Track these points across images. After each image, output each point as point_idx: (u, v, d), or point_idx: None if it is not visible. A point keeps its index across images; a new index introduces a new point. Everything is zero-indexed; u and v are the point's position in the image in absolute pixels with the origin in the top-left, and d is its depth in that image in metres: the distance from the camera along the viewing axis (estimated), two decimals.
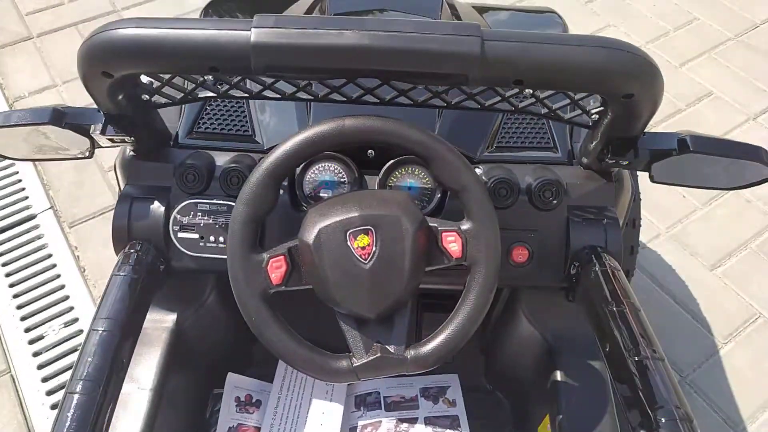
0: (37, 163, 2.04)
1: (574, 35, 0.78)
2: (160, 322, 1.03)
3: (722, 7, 2.62)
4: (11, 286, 1.76)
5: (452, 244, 0.80)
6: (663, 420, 0.69)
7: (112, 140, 0.91)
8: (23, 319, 1.70)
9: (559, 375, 1.00)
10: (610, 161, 0.91)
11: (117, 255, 0.97)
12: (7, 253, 1.83)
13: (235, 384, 1.19)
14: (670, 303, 1.76)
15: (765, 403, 1.59)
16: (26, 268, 1.80)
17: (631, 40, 0.78)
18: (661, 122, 2.20)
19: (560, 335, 1.04)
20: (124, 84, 0.81)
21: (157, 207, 0.97)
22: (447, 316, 0.83)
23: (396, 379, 1.26)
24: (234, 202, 0.90)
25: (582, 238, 0.96)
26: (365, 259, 0.77)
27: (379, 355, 0.79)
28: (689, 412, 0.71)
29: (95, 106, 0.88)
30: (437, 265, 0.82)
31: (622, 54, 0.73)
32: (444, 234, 0.80)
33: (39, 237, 1.87)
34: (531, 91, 0.83)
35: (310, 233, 0.79)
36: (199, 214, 0.96)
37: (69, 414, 0.77)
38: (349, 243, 0.78)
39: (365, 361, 0.79)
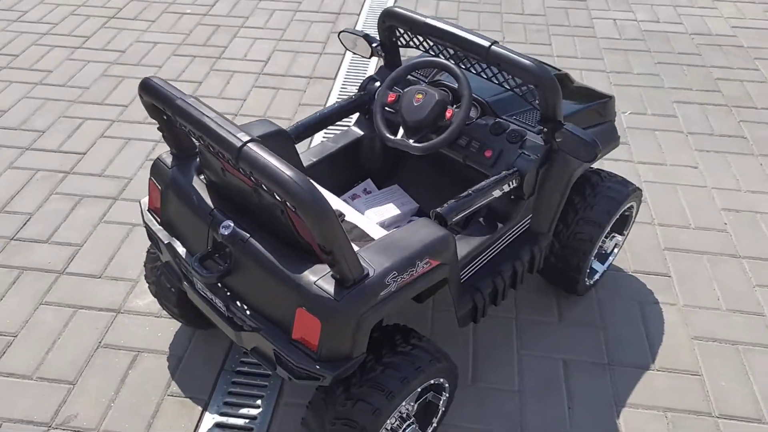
0: None
1: (530, 58, 1.93)
2: (351, 133, 2.43)
3: None
4: None
5: (449, 114, 2.02)
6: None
7: (377, 53, 2.37)
8: None
9: None
10: (541, 127, 1.99)
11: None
12: None
13: (366, 183, 2.54)
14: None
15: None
16: None
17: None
18: None
19: None
20: (391, 31, 2.24)
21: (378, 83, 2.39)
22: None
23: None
24: None
25: (517, 162, 2.05)
26: (417, 102, 2.04)
27: (405, 140, 2.04)
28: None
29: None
30: (440, 122, 2.03)
31: (541, 68, 1.86)
32: (448, 109, 2.03)
33: None
34: (519, 88, 1.98)
35: (405, 88, 2.10)
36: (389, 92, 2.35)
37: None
38: (414, 95, 2.06)
39: (399, 140, 2.05)
